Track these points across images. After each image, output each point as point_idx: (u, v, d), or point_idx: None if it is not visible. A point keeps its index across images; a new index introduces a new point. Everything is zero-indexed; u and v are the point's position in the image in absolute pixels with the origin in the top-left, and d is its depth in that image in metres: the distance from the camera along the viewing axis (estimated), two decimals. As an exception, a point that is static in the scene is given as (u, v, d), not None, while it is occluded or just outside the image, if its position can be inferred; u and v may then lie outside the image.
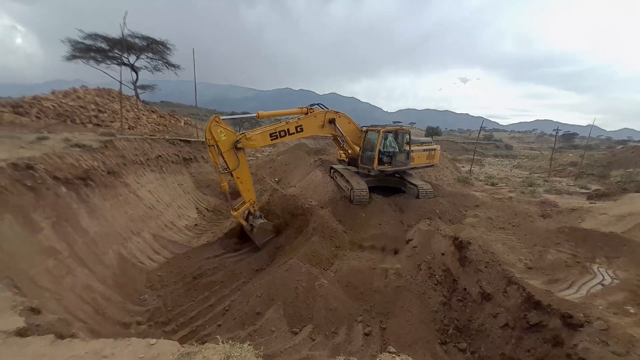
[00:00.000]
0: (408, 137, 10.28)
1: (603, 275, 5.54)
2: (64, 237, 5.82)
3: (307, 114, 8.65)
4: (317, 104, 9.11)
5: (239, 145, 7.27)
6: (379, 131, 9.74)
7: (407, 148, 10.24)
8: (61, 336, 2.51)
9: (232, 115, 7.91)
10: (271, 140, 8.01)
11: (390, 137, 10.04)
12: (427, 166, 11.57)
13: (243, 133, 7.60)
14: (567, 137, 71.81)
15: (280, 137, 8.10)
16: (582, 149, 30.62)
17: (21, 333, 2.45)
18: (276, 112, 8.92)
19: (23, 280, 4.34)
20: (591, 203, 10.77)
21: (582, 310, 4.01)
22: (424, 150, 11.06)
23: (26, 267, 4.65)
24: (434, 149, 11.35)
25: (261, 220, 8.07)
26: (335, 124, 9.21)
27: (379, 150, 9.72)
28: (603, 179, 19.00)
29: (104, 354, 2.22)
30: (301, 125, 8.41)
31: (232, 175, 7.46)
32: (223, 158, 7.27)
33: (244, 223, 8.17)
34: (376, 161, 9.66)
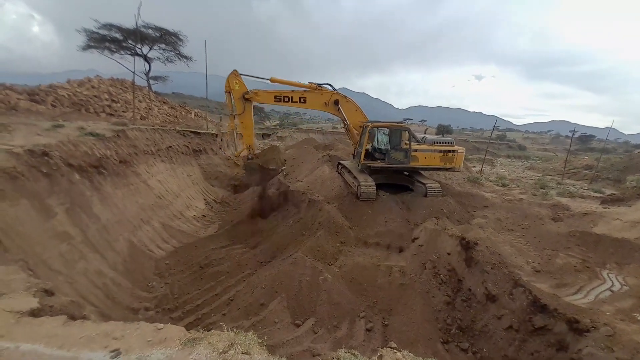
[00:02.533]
0: (407, 134, 9.89)
1: (612, 281, 5.43)
2: (77, 222, 5.99)
3: (315, 89, 9.41)
4: (328, 84, 9.61)
5: (246, 97, 8.73)
6: (367, 126, 9.75)
7: (406, 146, 9.86)
8: (73, 317, 2.60)
9: (247, 74, 9.04)
10: (275, 101, 9.18)
11: (381, 133, 10.04)
12: (442, 169, 10.49)
13: (254, 89, 8.91)
14: (583, 139, 69.74)
15: (284, 101, 9.16)
16: (599, 152, 29.75)
17: (34, 313, 2.55)
18: (289, 81, 9.61)
19: (37, 263, 4.50)
20: (605, 208, 10.48)
21: (589, 316, 3.95)
22: (436, 150, 10.01)
23: (40, 251, 4.82)
24: (453, 151, 10.02)
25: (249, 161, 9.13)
26: (339, 107, 9.58)
27: (372, 146, 10.00)
28: (618, 183, 18.45)
29: (114, 335, 2.30)
30: (305, 98, 9.24)
31: (238, 120, 8.96)
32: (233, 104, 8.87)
33: (240, 164, 9.39)
34: (362, 156, 9.75)
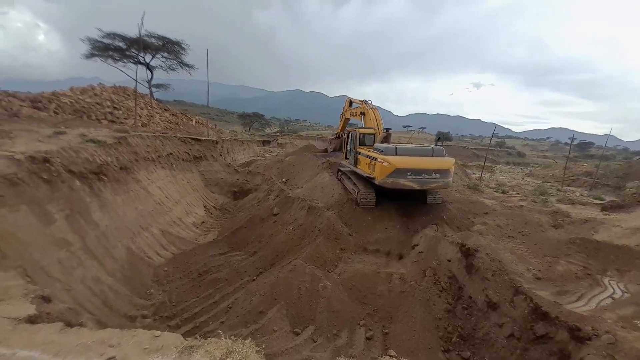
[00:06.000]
0: (354, 138, 10.99)
1: (613, 289, 5.39)
2: (76, 229, 5.98)
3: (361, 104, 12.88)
4: (369, 100, 12.35)
5: (344, 113, 15.08)
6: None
7: (355, 149, 10.65)
8: (70, 325, 2.58)
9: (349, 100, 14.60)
10: (351, 116, 14.20)
11: (350, 136, 11.64)
12: (368, 177, 8.99)
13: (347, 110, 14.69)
14: (582, 147, 69.95)
15: (354, 116, 13.68)
16: (598, 159, 29.81)
17: (32, 320, 2.54)
18: (357, 99, 13.76)
19: (35, 270, 4.48)
20: (605, 214, 10.46)
21: (591, 323, 3.91)
22: (368, 156, 9.25)
23: (39, 257, 4.80)
24: (375, 159, 8.59)
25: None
26: (362, 117, 12.30)
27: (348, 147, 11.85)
28: (618, 190, 18.45)
29: (111, 343, 2.28)
30: (356, 112, 13.25)
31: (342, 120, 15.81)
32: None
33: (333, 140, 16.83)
34: (343, 155, 12.86)
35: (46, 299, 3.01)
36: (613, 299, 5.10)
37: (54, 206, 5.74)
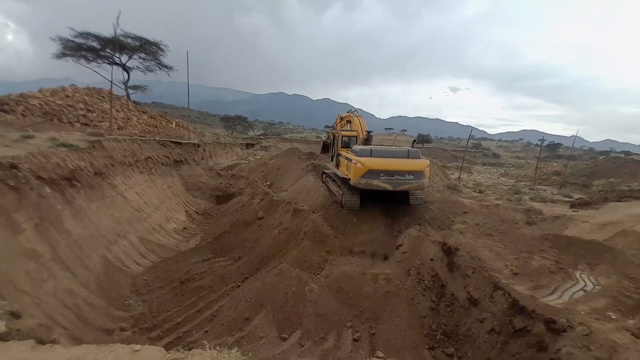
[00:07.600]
0: (336, 141, 11.29)
1: (585, 282, 5.70)
2: (47, 239, 5.64)
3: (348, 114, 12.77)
4: (355, 111, 12.58)
5: (336, 126, 13.67)
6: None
7: (337, 151, 10.96)
8: (42, 341, 2.42)
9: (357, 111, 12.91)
10: (341, 127, 12.99)
11: (334, 138, 11.94)
12: (344, 178, 9.29)
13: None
14: (551, 147, 73.85)
15: (344, 126, 13.04)
16: (566, 159, 31.57)
17: (2, 337, 2.37)
18: (344, 114, 13.52)
19: (3, 284, 4.19)
20: (574, 211, 11.09)
21: (565, 316, 4.10)
22: (345, 157, 9.51)
23: (6, 270, 4.48)
24: (350, 159, 8.90)
25: None
26: (348, 125, 12.39)
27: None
28: (586, 188, 19.59)
29: None
30: (345, 122, 13.06)
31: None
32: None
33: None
34: (329, 157, 12.93)
35: (15, 315, 2.81)
36: (585, 291, 5.39)
37: (21, 215, 5.38)
